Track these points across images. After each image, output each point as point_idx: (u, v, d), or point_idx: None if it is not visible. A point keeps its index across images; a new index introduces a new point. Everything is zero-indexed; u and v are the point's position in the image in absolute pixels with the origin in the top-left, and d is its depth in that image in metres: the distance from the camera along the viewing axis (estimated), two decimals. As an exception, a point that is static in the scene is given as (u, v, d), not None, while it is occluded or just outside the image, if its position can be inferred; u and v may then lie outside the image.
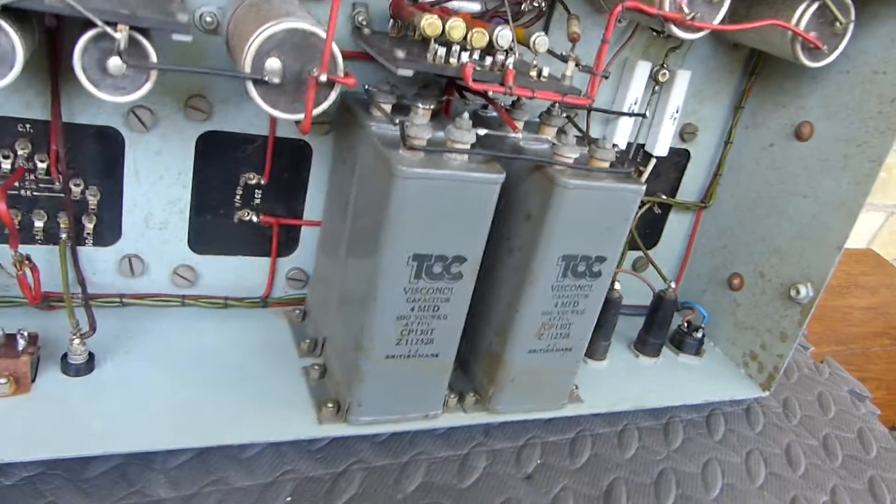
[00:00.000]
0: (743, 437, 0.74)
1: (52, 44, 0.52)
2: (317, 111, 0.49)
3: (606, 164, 0.57)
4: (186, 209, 0.63)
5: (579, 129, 0.64)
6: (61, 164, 0.57)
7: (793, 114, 0.75)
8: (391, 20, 0.60)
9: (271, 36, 0.46)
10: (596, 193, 0.55)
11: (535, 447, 0.65)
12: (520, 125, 0.62)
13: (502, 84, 0.53)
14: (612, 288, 0.71)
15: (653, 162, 0.78)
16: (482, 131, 0.54)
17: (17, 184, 0.57)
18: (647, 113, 0.75)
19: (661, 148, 0.77)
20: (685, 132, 0.80)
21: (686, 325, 0.82)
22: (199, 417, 0.55)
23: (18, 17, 0.43)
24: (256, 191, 0.65)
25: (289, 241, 0.68)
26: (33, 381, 0.53)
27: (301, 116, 0.49)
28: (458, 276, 0.53)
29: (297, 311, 0.69)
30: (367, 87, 0.58)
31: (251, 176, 0.64)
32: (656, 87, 0.74)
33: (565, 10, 0.64)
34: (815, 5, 0.61)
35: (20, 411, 0.51)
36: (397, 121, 0.51)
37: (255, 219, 0.65)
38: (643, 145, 0.78)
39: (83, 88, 0.53)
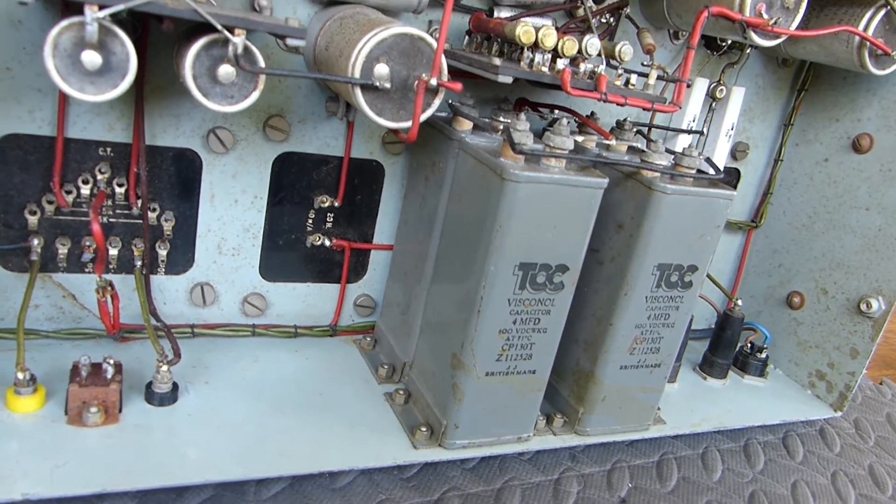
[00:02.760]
0: (823, 458, 0.72)
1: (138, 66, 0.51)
2: (423, 117, 0.48)
3: (693, 172, 0.56)
4: (260, 234, 0.61)
5: (651, 142, 0.65)
6: (141, 187, 0.55)
7: (848, 127, 0.76)
8: (467, 37, 0.60)
9: (382, 41, 0.45)
10: (692, 200, 0.54)
11: (624, 471, 0.63)
12: (593, 140, 0.62)
13: (596, 90, 0.53)
14: (684, 306, 0.70)
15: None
16: (579, 138, 0.54)
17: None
18: (704, 130, 0.76)
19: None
20: (737, 150, 0.80)
21: (749, 346, 0.80)
22: (290, 445, 0.52)
23: (125, 25, 0.42)
24: (329, 214, 0.63)
25: (358, 267, 0.67)
26: (120, 411, 0.50)
27: (408, 124, 0.48)
28: (559, 286, 0.52)
29: (368, 339, 0.67)
30: (451, 102, 0.57)
31: (324, 199, 0.62)
32: (713, 105, 0.75)
33: (633, 24, 0.65)
34: (883, 12, 0.62)
35: (112, 441, 0.47)
36: (502, 127, 0.51)
37: (326, 243, 0.64)
38: (698, 164, 0.78)
39: (167, 108, 0.53)
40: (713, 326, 0.80)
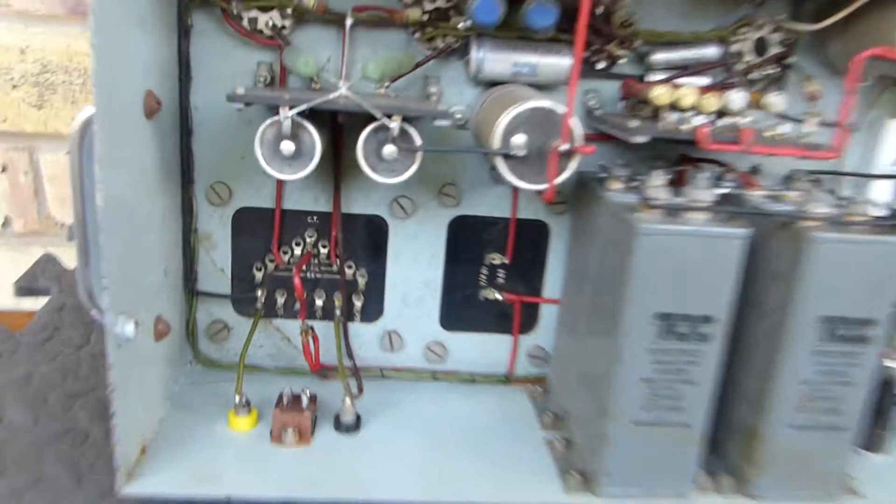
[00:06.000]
0: None
1: (336, 151, 0.63)
2: (558, 180, 0.53)
3: (866, 219, 0.53)
4: (438, 288, 0.69)
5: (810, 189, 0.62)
6: (339, 248, 0.66)
7: None
8: (621, 101, 0.64)
9: (517, 115, 0.52)
10: (854, 247, 0.51)
11: (806, 542, 0.58)
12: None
13: (738, 143, 0.53)
14: (888, 366, 0.64)
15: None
16: (722, 190, 0.54)
17: (304, 268, 0.67)
18: (910, 175, 0.69)
19: (930, 212, 0.70)
20: (960, 195, 0.72)
21: None
22: (450, 477, 0.57)
23: (314, 119, 0.53)
24: (499, 270, 0.69)
25: (529, 319, 0.72)
26: (312, 434, 0.60)
27: (544, 186, 0.53)
28: (705, 337, 0.52)
29: (539, 388, 0.71)
30: (601, 164, 0.61)
31: (494, 256, 0.69)
32: (918, 148, 0.69)
33: (800, 72, 0.64)
34: None
35: (302, 459, 0.57)
36: (634, 184, 0.53)
37: (498, 297, 0.70)
38: (908, 211, 0.71)
39: (359, 182, 0.63)
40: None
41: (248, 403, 0.60)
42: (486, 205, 0.67)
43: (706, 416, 0.55)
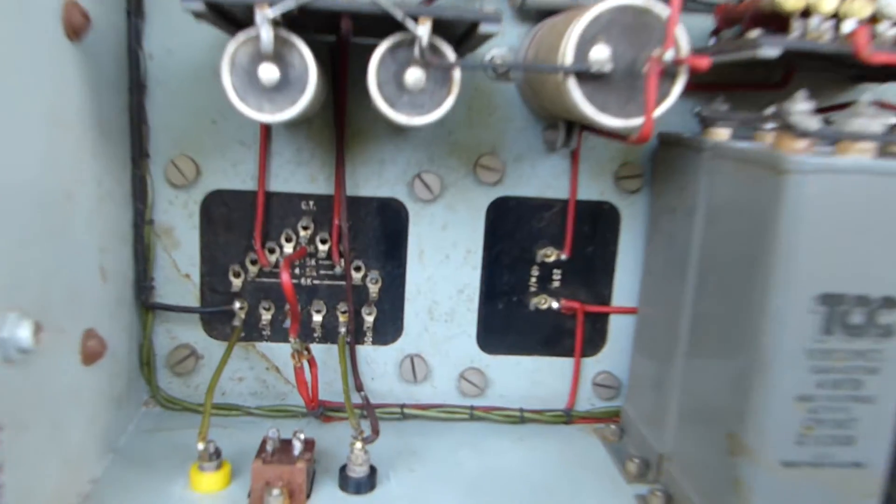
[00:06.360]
0: None
1: (338, 96, 0.47)
2: (659, 110, 0.37)
3: None
4: (475, 296, 0.53)
5: None
6: (343, 241, 0.50)
7: None
8: (713, 37, 0.48)
9: (597, 17, 0.36)
10: None
11: None
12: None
13: (910, 56, 0.37)
14: None
15: None
16: (891, 120, 0.38)
17: (297, 271, 0.51)
18: None
19: None
20: None
21: None
22: (510, 555, 0.40)
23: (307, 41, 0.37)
24: (555, 270, 0.53)
25: (594, 337, 0.55)
26: (308, 496, 0.42)
27: (639, 120, 0.37)
28: (889, 330, 0.35)
29: (613, 428, 0.53)
30: (698, 111, 0.45)
31: (549, 252, 0.52)
32: None
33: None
34: None
35: (294, 532, 0.39)
36: (768, 112, 0.37)
37: (554, 305, 0.53)
38: None
39: (369, 154, 0.48)
40: None
41: (217, 454, 0.43)
42: (537, 181, 0.51)
43: (889, 452, 0.37)
